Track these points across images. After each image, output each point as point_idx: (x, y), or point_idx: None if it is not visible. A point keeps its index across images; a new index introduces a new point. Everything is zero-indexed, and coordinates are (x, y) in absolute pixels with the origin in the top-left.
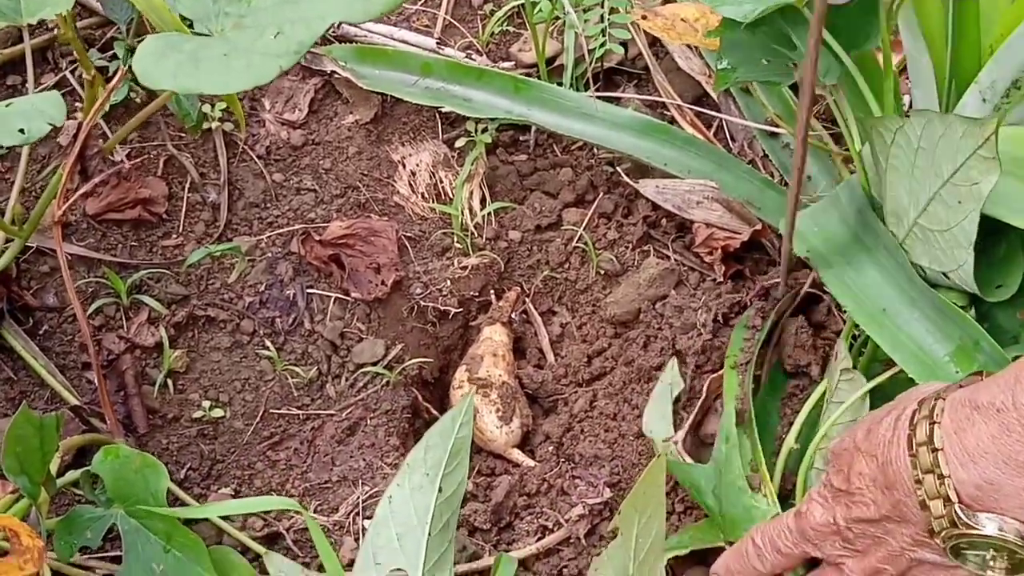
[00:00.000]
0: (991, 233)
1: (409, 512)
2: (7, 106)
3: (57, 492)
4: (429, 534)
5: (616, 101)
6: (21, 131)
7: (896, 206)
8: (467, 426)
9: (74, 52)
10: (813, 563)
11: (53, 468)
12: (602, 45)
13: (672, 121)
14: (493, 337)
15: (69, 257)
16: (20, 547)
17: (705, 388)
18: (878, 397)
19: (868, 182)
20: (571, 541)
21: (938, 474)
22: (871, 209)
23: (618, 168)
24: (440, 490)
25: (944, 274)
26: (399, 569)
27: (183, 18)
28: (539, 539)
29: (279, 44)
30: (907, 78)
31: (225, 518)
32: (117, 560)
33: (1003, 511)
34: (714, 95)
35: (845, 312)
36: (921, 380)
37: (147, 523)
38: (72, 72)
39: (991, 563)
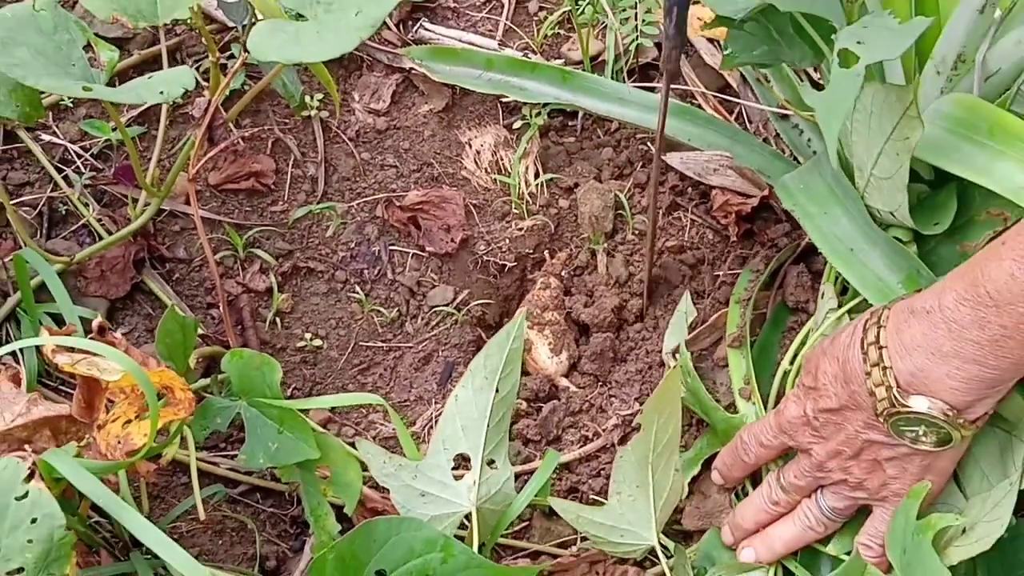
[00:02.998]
0: (937, 180)
1: (472, 408)
2: (149, 78)
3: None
4: (488, 426)
5: (651, 90)
6: (161, 92)
7: (860, 162)
8: (519, 339)
9: (200, 49)
10: (788, 456)
11: (192, 364)
12: (634, 41)
13: (698, 107)
14: (549, 286)
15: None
16: (175, 400)
17: (714, 320)
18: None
19: (843, 147)
20: (607, 448)
21: (882, 366)
22: (843, 168)
23: (651, 146)
24: (497, 390)
25: (892, 213)
26: (463, 454)
27: (286, 10)
28: (581, 446)
29: (359, 20)
30: None
31: (323, 426)
32: (233, 458)
33: (931, 393)
34: (734, 85)
35: None
36: (879, 303)
37: (264, 410)
38: (197, 69)
39: (922, 437)
